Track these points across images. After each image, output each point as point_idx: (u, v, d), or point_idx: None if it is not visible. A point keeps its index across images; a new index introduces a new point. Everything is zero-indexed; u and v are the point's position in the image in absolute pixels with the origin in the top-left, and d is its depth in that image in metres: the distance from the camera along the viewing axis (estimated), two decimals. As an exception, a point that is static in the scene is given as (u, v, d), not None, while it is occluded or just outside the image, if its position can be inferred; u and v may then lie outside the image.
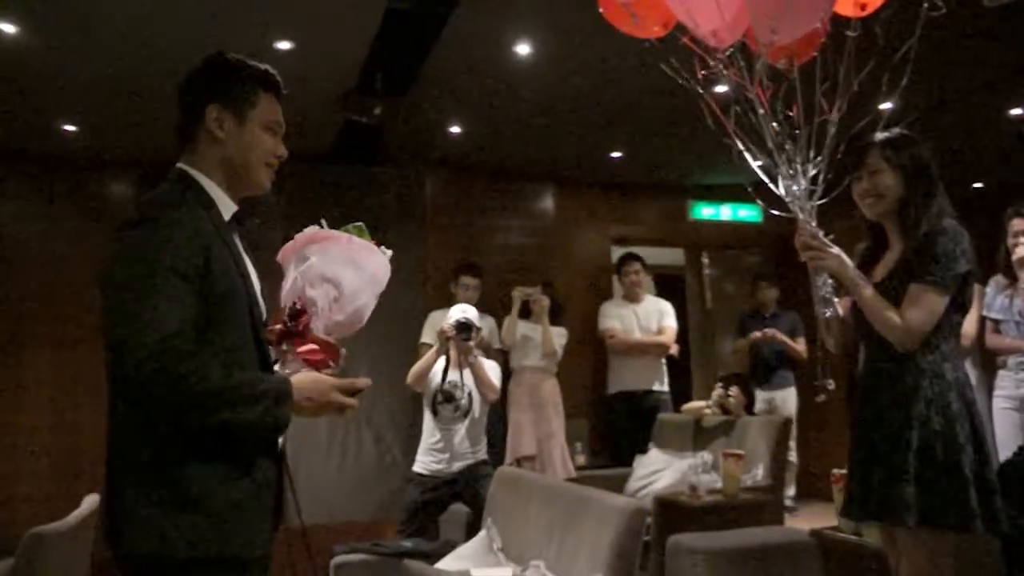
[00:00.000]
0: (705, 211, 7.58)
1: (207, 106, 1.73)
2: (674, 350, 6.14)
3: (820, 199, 2.49)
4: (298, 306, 1.76)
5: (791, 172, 2.45)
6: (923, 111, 5.05)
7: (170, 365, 1.43)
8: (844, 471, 3.35)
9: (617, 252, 6.81)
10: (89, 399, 5.73)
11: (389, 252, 1.91)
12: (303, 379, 1.66)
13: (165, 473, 1.52)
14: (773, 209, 2.57)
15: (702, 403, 5.50)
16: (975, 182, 7.25)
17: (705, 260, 8.64)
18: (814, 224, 2.45)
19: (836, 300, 2.47)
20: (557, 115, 5.56)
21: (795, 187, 2.46)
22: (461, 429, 4.19)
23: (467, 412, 4.17)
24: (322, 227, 1.86)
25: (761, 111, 2.45)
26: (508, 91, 5.11)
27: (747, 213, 7.56)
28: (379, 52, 4.33)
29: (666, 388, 6.07)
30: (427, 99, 5.03)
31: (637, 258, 6.21)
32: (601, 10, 2.95)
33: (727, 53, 2.51)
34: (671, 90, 2.72)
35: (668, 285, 8.17)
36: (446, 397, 4.17)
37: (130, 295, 1.48)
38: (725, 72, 2.51)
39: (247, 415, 1.52)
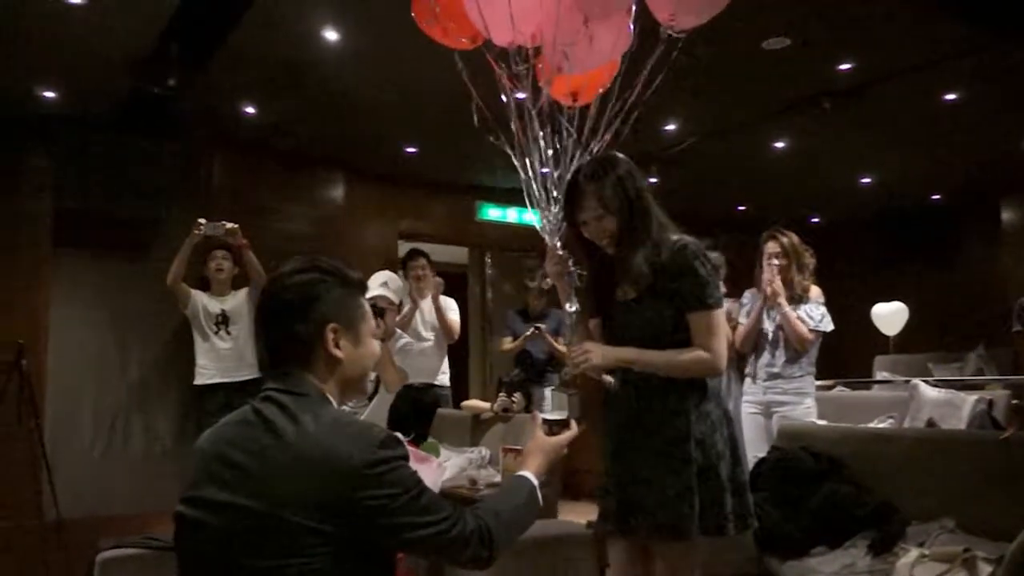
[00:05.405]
0: (492, 212, 7.77)
1: (325, 326, 1.65)
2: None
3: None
4: None
5: (550, 198, 2.55)
6: (702, 136, 5.52)
7: (490, 531, 1.61)
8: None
9: (404, 247, 6.84)
10: None
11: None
12: (539, 465, 1.85)
13: None
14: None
15: (484, 404, 5.65)
16: (740, 204, 7.98)
17: (488, 260, 8.87)
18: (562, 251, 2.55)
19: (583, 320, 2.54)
20: (356, 104, 5.53)
21: (547, 212, 2.57)
22: (365, 412, 4.02)
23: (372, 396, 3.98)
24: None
25: (540, 133, 2.54)
26: (310, 76, 5.02)
27: (531, 217, 7.77)
28: (180, 19, 4.10)
29: (447, 383, 6.18)
30: (225, 75, 4.83)
31: (423, 254, 6.25)
32: (413, 15, 2.96)
33: (523, 71, 2.58)
34: (469, 93, 2.80)
35: (450, 283, 8.32)
36: None
37: (425, 508, 1.55)
38: (515, 88, 2.58)
39: (527, 522, 1.76)
